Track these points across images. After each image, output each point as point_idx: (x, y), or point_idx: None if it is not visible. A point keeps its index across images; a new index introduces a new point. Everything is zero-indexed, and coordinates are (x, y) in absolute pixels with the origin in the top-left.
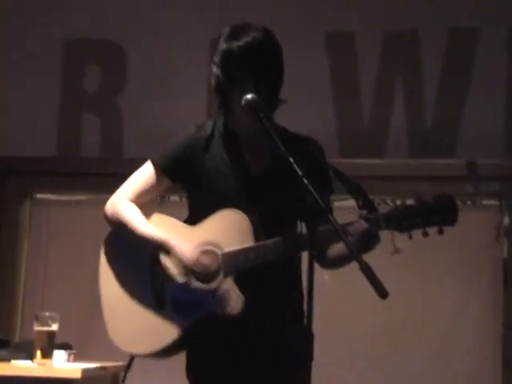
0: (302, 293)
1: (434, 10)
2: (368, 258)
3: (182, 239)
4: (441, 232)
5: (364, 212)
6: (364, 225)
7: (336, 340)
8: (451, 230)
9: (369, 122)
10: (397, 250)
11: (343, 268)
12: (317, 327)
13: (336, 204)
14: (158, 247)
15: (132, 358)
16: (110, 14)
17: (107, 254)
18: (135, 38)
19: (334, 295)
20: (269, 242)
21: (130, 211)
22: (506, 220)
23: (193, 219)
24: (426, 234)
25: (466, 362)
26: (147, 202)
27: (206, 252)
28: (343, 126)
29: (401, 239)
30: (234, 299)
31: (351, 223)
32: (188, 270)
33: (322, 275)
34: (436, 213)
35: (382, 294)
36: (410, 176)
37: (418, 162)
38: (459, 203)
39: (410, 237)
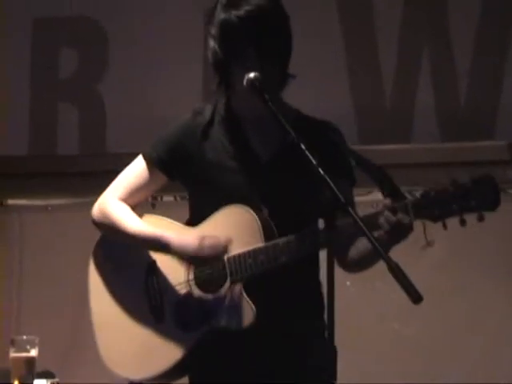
0: (321, 301)
1: None
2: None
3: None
4: (481, 219)
5: (389, 200)
6: (392, 215)
7: (362, 356)
8: (492, 225)
9: (392, 102)
10: (429, 243)
11: (368, 272)
12: (339, 341)
13: (357, 199)
14: (152, 245)
15: None
16: None
17: (97, 265)
18: (117, 14)
19: (357, 304)
20: (281, 241)
21: (119, 211)
22: None
23: (195, 220)
24: (463, 222)
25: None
26: (141, 202)
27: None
28: (362, 106)
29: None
30: (244, 310)
31: (376, 214)
32: (191, 267)
33: (343, 281)
34: (474, 196)
35: (416, 297)
36: (441, 163)
37: (450, 146)
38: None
39: (445, 226)
